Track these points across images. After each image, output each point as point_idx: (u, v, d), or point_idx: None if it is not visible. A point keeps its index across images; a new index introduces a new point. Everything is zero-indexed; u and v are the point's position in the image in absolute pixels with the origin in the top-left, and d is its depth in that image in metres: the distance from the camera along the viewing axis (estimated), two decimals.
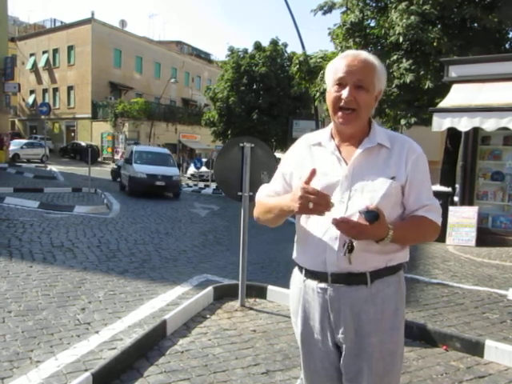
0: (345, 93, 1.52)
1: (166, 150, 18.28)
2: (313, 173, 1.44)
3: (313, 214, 1.47)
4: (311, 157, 1.65)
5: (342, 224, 1.41)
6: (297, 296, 1.70)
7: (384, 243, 1.48)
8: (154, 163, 15.63)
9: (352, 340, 1.58)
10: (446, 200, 8.32)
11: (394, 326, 1.59)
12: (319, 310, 1.61)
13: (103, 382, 2.74)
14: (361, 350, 1.57)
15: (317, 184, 1.54)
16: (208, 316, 4.09)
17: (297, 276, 1.71)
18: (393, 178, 1.53)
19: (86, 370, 2.83)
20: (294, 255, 1.72)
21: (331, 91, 1.57)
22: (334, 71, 1.57)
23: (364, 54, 1.57)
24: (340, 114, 1.54)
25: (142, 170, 14.71)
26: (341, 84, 1.54)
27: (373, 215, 1.39)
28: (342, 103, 1.53)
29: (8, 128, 26.50)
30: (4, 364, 2.96)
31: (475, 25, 11.00)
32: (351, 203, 1.52)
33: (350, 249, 1.50)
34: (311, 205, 1.39)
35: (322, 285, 1.58)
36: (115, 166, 21.03)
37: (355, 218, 1.46)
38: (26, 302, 4.16)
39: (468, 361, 3.40)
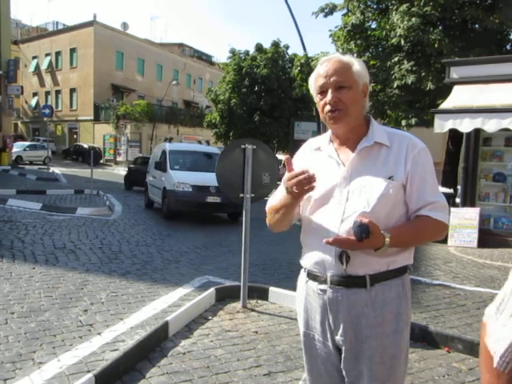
0: (328, 97, 1.55)
1: (214, 149, 12.54)
2: (289, 162, 1.55)
3: (305, 194, 1.51)
4: (312, 162, 1.66)
5: (333, 243, 1.46)
6: (300, 297, 1.71)
7: (382, 251, 1.47)
8: (199, 169, 10.50)
9: (352, 343, 1.56)
10: (447, 201, 8.30)
11: (396, 331, 1.55)
12: (319, 312, 1.61)
13: (105, 383, 2.75)
14: (360, 354, 1.55)
15: (317, 188, 1.56)
16: (210, 317, 4.09)
17: (301, 277, 1.72)
18: (391, 178, 1.52)
19: (89, 372, 2.84)
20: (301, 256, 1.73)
21: (317, 100, 1.61)
22: (314, 82, 1.62)
23: (337, 56, 1.60)
24: (329, 114, 1.57)
25: (184, 179, 9.91)
26: (323, 91, 1.58)
27: (362, 231, 1.39)
28: (328, 107, 1.56)
29: (11, 130, 26.55)
30: (7, 365, 2.98)
31: (476, 26, 11.03)
32: (348, 205, 1.53)
33: (347, 260, 1.51)
34: (295, 188, 1.47)
35: (322, 286, 1.58)
36: (133, 166, 16.43)
37: (352, 218, 1.47)
38: (29, 304, 4.18)
39: (470, 362, 3.39)
